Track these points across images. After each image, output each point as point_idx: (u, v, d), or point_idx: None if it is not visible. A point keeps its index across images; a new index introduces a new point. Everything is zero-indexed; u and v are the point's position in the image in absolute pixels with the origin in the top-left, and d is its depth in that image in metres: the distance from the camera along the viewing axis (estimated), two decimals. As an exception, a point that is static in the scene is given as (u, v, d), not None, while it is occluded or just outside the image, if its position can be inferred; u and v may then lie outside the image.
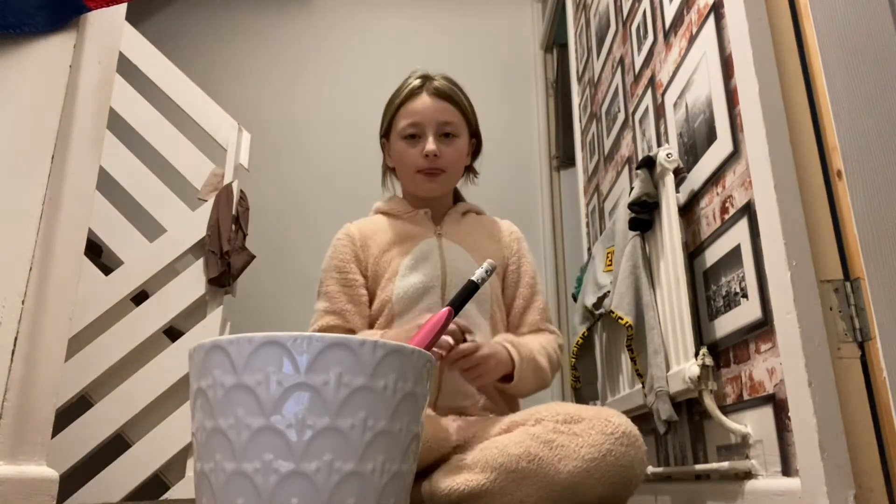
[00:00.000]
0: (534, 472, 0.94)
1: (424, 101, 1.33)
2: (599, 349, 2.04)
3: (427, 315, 1.18)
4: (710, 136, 1.45)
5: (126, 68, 2.37)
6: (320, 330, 1.28)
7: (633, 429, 1.03)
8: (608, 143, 2.37)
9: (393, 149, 1.37)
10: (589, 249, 2.58)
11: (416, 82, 1.35)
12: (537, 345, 1.29)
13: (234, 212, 2.36)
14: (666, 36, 1.76)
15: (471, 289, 0.98)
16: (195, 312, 2.29)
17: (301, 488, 0.42)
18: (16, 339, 1.04)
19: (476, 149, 1.45)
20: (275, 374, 0.43)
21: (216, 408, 0.45)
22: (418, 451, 0.48)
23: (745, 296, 1.28)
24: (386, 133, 1.40)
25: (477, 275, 1.01)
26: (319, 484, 0.42)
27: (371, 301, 1.34)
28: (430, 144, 1.29)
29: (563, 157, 3.44)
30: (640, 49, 2.00)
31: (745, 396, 1.28)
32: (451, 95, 1.35)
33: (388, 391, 0.45)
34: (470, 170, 1.46)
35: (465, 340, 1.12)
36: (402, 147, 1.34)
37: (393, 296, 1.28)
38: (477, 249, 1.37)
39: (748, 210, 1.27)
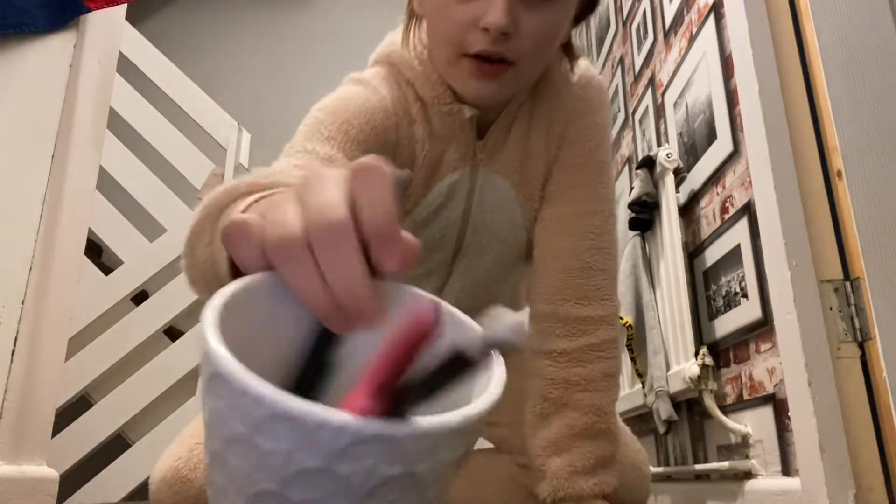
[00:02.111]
0: (523, 493, 0.93)
1: None
2: (599, 349, 2.04)
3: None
4: (710, 136, 1.45)
5: (126, 68, 2.37)
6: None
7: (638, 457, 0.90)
8: (608, 143, 2.37)
9: None
10: (589, 249, 2.58)
11: None
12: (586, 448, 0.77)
13: (234, 212, 2.36)
14: (666, 36, 1.76)
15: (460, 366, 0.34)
16: (195, 312, 2.29)
17: None
18: (16, 339, 1.04)
19: (586, 6, 0.77)
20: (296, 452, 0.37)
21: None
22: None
23: (745, 296, 1.28)
24: None
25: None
26: None
27: None
28: (497, 11, 0.66)
29: (563, 157, 3.44)
30: (640, 49, 2.00)
31: (745, 396, 1.28)
32: None
33: (428, 476, 0.38)
34: (568, 51, 0.81)
35: None
36: None
37: None
38: (529, 182, 0.83)
39: (748, 210, 1.27)
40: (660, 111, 1.80)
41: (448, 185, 0.80)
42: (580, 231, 0.81)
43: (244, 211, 0.40)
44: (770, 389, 1.19)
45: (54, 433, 1.25)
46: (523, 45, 0.69)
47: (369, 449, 0.36)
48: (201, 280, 0.48)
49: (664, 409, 1.45)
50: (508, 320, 0.33)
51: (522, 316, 0.33)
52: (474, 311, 0.93)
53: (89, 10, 1.22)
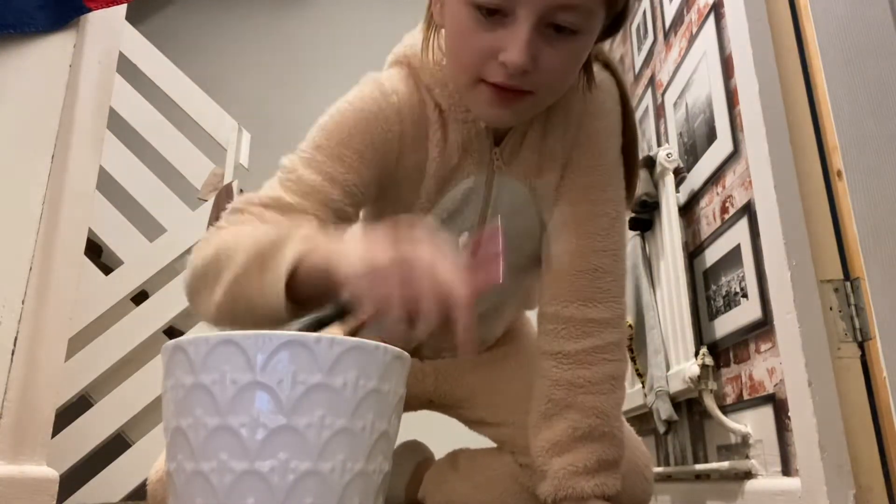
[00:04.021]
0: (525, 495, 0.93)
1: None
2: (599, 349, 2.04)
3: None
4: (710, 136, 1.45)
5: (126, 68, 2.37)
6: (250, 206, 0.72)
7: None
8: (608, 143, 2.37)
9: (450, 10, 0.71)
10: (589, 249, 2.58)
11: None
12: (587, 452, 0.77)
13: (234, 212, 2.36)
14: (666, 36, 1.76)
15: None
16: (195, 313, 2.29)
17: (256, 487, 0.43)
18: (16, 339, 1.04)
19: (613, 24, 0.73)
20: (230, 372, 0.44)
21: (178, 408, 0.45)
22: (391, 449, 0.48)
23: (745, 295, 1.28)
24: None
25: None
26: (275, 483, 0.43)
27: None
28: (518, 51, 0.65)
29: (563, 157, 3.43)
30: (640, 49, 2.00)
31: (745, 396, 1.28)
32: None
33: (348, 389, 0.45)
34: (587, 70, 0.78)
35: None
36: (466, 20, 0.68)
37: None
38: (546, 186, 0.83)
39: (748, 210, 1.27)
40: (660, 111, 1.80)
41: (463, 191, 0.80)
42: (587, 233, 0.81)
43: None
44: (770, 389, 1.19)
45: (54, 433, 1.25)
46: (542, 78, 0.68)
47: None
48: (234, 315, 0.64)
49: (664, 409, 1.45)
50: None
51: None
52: (488, 317, 0.92)
53: (89, 10, 1.22)
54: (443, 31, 0.76)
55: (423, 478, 1.05)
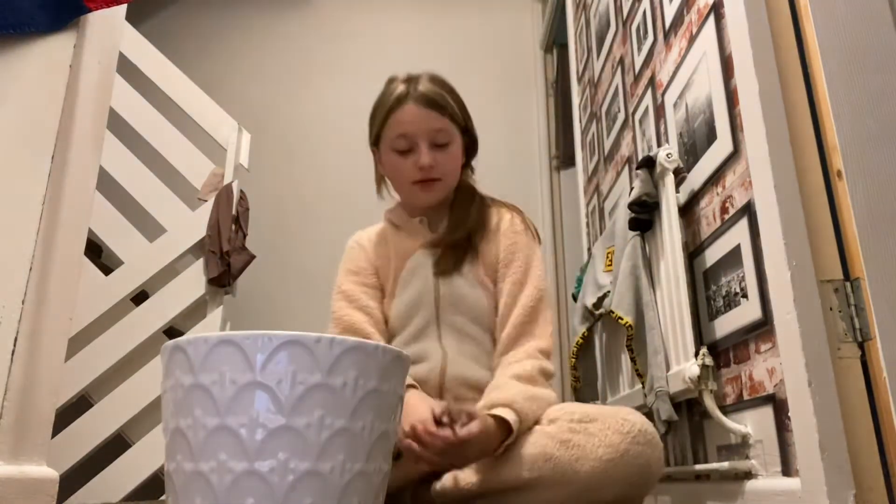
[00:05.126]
0: (550, 472, 0.95)
1: (411, 111, 1.24)
2: (599, 349, 2.04)
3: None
4: (710, 136, 1.45)
5: (126, 68, 2.37)
6: (343, 326, 1.24)
7: (649, 426, 1.01)
8: (608, 143, 2.37)
9: (385, 160, 1.30)
10: (589, 249, 2.58)
11: (401, 88, 1.27)
12: (520, 388, 1.07)
13: (234, 212, 2.36)
14: (666, 36, 1.76)
15: None
16: (195, 312, 2.30)
17: (256, 487, 0.42)
18: (16, 339, 1.04)
19: (470, 145, 1.35)
20: (229, 373, 0.43)
21: (177, 408, 0.45)
22: (390, 449, 0.48)
23: (745, 296, 1.28)
24: (375, 141, 1.32)
25: None
26: (274, 483, 0.42)
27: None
28: (425, 157, 1.23)
29: (563, 157, 3.43)
30: (640, 49, 2.00)
31: (745, 396, 1.28)
32: (438, 101, 1.26)
33: (348, 389, 0.45)
34: (467, 167, 1.38)
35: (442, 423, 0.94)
36: (395, 160, 1.27)
37: (390, 316, 1.28)
38: (476, 254, 1.30)
39: (748, 210, 1.27)
40: (660, 111, 1.80)
41: (415, 261, 1.30)
42: (523, 285, 1.25)
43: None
44: (770, 389, 1.19)
45: (54, 433, 1.25)
46: (442, 169, 1.26)
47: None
48: None
49: (664, 410, 1.45)
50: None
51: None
52: (466, 368, 1.27)
53: (89, 10, 1.22)
54: (389, 181, 1.34)
55: (429, 484, 1.05)
